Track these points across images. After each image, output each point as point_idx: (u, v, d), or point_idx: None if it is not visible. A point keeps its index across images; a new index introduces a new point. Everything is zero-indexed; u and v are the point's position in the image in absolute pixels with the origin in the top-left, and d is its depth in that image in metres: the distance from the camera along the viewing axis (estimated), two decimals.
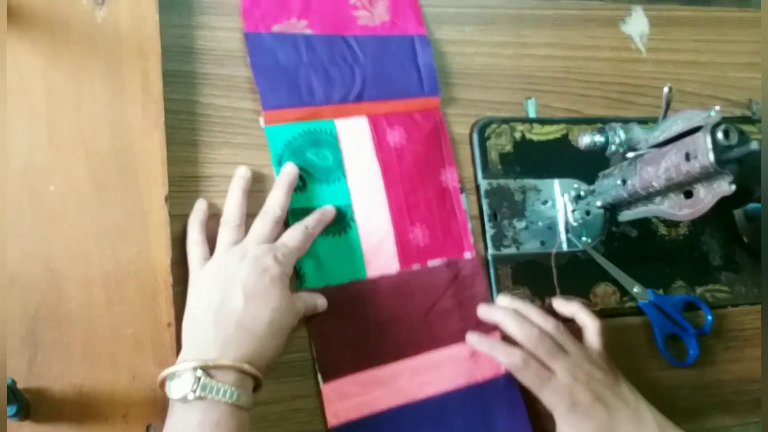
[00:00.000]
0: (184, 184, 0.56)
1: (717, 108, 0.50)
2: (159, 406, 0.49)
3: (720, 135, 0.49)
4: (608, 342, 0.58)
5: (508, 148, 0.66)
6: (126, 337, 0.49)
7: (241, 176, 0.56)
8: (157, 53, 0.55)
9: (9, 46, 0.51)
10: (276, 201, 0.55)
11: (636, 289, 0.63)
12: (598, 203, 0.62)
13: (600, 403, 0.53)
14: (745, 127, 0.51)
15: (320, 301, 0.55)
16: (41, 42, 0.53)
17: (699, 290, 0.67)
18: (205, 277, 0.50)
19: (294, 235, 0.54)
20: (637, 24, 0.76)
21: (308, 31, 0.61)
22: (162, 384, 0.46)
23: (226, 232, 0.53)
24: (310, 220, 0.55)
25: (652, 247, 0.67)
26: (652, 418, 0.53)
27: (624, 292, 0.64)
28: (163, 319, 0.50)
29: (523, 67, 0.70)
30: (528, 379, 0.54)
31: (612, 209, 0.62)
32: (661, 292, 0.65)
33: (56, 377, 0.47)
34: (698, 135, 0.50)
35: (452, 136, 0.65)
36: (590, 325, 0.58)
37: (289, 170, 0.57)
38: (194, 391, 0.43)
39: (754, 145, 0.47)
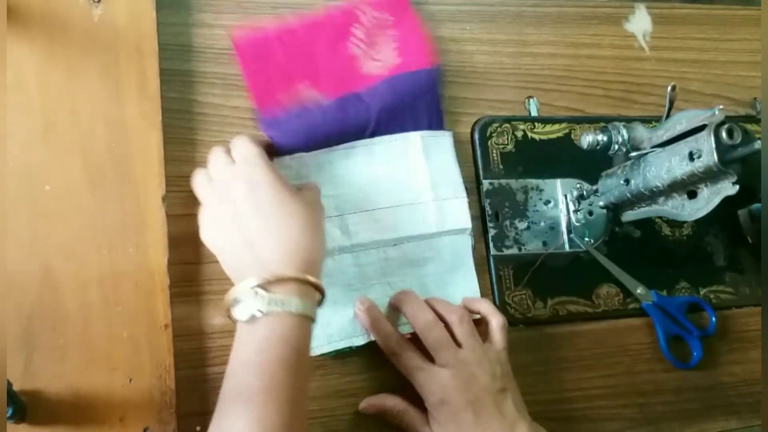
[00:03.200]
0: (182, 183, 0.55)
1: (721, 107, 0.50)
2: (156, 408, 0.48)
3: (724, 134, 0.48)
4: (610, 344, 0.57)
5: (510, 147, 0.65)
6: (122, 339, 0.49)
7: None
8: (154, 51, 0.55)
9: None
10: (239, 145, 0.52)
11: (639, 291, 0.63)
12: (601, 203, 0.61)
13: (471, 409, 0.49)
14: (749, 126, 0.51)
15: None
16: (37, 40, 0.52)
17: (703, 291, 0.66)
18: (208, 198, 0.50)
19: (240, 142, 0.51)
20: (640, 22, 0.75)
21: (319, 97, 0.58)
22: (228, 312, 0.45)
23: (216, 153, 0.52)
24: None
25: (655, 248, 0.66)
26: None
27: (627, 293, 0.63)
28: (160, 320, 0.50)
29: (524, 66, 0.69)
30: (401, 364, 0.52)
31: (615, 209, 0.62)
32: (664, 293, 0.64)
33: (52, 379, 0.47)
34: (702, 134, 0.50)
35: (453, 136, 0.64)
36: (493, 321, 0.54)
37: None
38: (260, 309, 0.43)
39: (758, 145, 0.47)
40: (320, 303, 0.47)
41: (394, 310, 0.56)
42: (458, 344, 0.52)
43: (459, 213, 0.59)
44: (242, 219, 0.47)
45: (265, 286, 0.43)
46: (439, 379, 0.51)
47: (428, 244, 0.58)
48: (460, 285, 0.59)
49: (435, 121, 0.62)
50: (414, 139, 0.60)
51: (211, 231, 0.50)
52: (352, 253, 0.56)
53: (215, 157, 0.51)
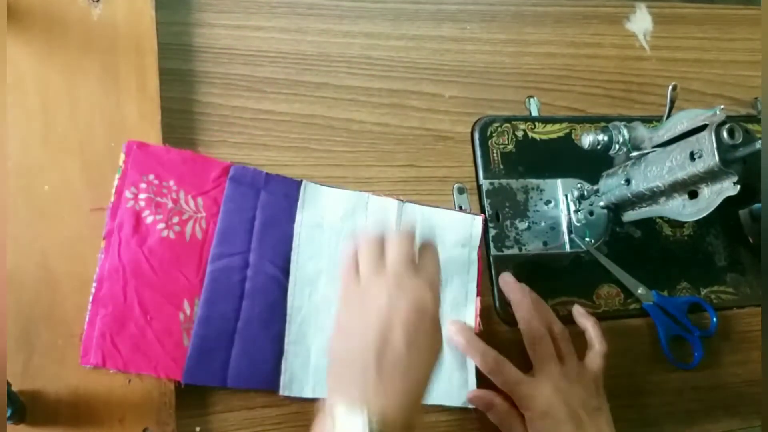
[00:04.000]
0: None
1: (722, 106, 0.50)
2: (155, 408, 0.48)
3: (725, 134, 0.48)
4: (611, 344, 0.57)
5: (510, 147, 0.65)
6: None
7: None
8: (154, 51, 0.55)
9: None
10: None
11: (640, 291, 0.62)
12: (602, 203, 0.61)
13: (573, 421, 0.51)
14: (751, 126, 0.51)
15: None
16: (36, 39, 0.52)
17: (704, 291, 0.66)
18: (356, 304, 0.46)
19: (430, 252, 0.48)
20: (641, 21, 0.75)
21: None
22: (328, 406, 0.42)
23: (367, 251, 0.47)
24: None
25: (656, 248, 0.66)
26: None
27: (628, 293, 0.63)
28: None
29: (524, 65, 0.69)
30: (500, 380, 0.53)
31: (616, 209, 0.61)
32: (665, 293, 0.64)
33: (52, 379, 0.47)
34: (703, 134, 0.49)
35: (453, 136, 0.64)
36: (597, 347, 0.56)
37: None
38: None
39: (759, 145, 0.46)
40: None
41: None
42: (560, 357, 0.54)
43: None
44: (391, 335, 0.42)
45: (372, 426, 0.40)
46: (542, 392, 0.52)
47: None
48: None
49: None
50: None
51: (352, 314, 0.46)
52: None
53: (402, 246, 0.47)
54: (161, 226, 0.51)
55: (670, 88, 0.54)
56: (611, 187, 0.59)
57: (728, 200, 0.50)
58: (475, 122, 0.65)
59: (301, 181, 0.57)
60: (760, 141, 0.46)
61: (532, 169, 0.65)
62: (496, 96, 0.67)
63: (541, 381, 0.53)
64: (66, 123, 0.51)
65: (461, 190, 0.63)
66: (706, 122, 0.50)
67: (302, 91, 0.62)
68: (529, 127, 0.66)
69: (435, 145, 0.64)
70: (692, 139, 0.51)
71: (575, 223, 0.64)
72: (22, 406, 0.45)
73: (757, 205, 0.66)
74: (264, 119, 0.60)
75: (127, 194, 0.51)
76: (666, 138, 0.54)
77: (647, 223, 0.66)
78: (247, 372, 0.51)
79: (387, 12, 0.67)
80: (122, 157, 0.52)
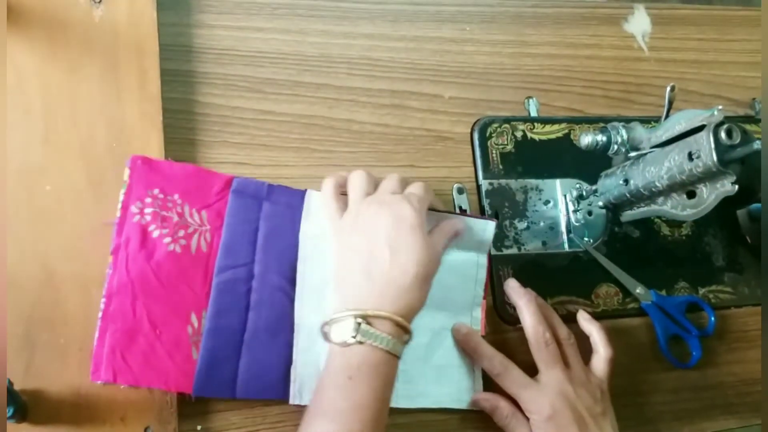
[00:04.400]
0: None
1: (720, 107, 0.50)
2: (157, 407, 0.48)
3: (723, 134, 0.48)
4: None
5: (509, 147, 0.65)
6: None
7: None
8: (155, 52, 0.55)
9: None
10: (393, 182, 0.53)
11: (639, 290, 0.63)
12: (600, 203, 0.61)
13: (577, 426, 0.52)
14: (748, 127, 0.51)
15: (459, 226, 0.55)
16: (37, 40, 0.53)
17: (702, 291, 0.66)
18: (347, 227, 0.51)
19: (418, 185, 0.53)
20: (639, 22, 0.76)
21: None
22: (323, 331, 0.48)
23: (358, 181, 0.53)
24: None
25: (654, 248, 0.66)
26: None
27: (626, 293, 0.63)
28: None
29: (524, 66, 0.70)
30: (506, 384, 0.54)
31: (614, 209, 0.62)
32: (663, 293, 0.64)
33: (53, 379, 0.47)
34: (701, 134, 0.50)
35: (453, 136, 0.65)
36: (602, 351, 0.57)
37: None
38: (354, 336, 0.45)
39: (757, 145, 0.47)
40: (406, 344, 0.49)
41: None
42: (565, 362, 0.55)
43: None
44: (375, 245, 0.48)
45: (367, 318, 0.46)
46: (547, 396, 0.53)
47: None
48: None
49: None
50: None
51: (344, 238, 0.51)
52: None
53: (390, 181, 0.53)
54: (167, 240, 0.51)
55: (668, 89, 0.54)
56: (610, 187, 0.59)
57: (726, 200, 0.50)
58: (475, 123, 0.66)
59: (305, 190, 0.56)
60: (758, 141, 0.47)
61: (531, 169, 0.65)
62: (496, 97, 0.68)
63: (546, 385, 0.53)
64: (67, 123, 0.52)
65: (461, 191, 0.63)
66: (704, 123, 0.50)
67: (303, 91, 0.62)
68: (528, 127, 0.66)
69: (435, 146, 0.64)
70: (690, 139, 0.51)
71: (574, 223, 0.64)
72: (23, 405, 0.45)
73: (755, 205, 0.66)
74: (265, 120, 0.60)
75: (133, 209, 0.51)
76: (664, 138, 0.54)
77: (645, 223, 0.66)
78: (255, 383, 0.51)
79: (387, 13, 0.68)
80: (127, 172, 0.52)
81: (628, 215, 0.60)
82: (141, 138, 0.53)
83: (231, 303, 0.52)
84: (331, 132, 0.61)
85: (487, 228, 0.58)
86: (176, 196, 0.53)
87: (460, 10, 0.70)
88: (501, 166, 0.64)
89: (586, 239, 0.64)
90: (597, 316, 0.60)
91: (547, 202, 0.64)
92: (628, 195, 0.57)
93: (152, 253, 0.51)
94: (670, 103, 0.55)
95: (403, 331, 0.48)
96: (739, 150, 0.48)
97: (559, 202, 0.65)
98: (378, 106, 0.64)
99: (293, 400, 0.52)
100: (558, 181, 0.65)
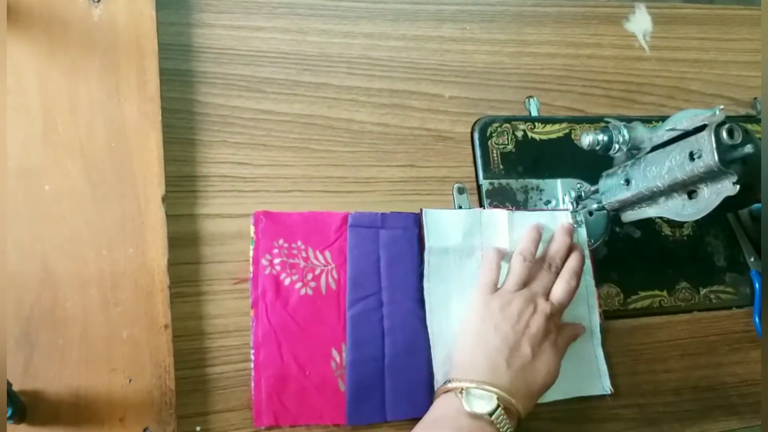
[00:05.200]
0: (182, 183, 0.56)
1: (721, 107, 0.50)
2: (156, 408, 0.48)
3: (724, 134, 0.48)
4: (610, 344, 0.57)
5: (510, 147, 0.65)
6: (122, 339, 0.49)
7: (566, 225, 0.59)
8: (154, 51, 0.55)
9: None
10: (558, 250, 0.57)
11: (752, 259, 0.66)
12: (601, 203, 0.61)
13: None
14: (750, 126, 0.51)
15: (580, 332, 0.58)
16: (37, 40, 0.52)
17: (703, 291, 0.66)
18: (496, 307, 0.53)
19: (565, 291, 0.55)
20: (640, 22, 0.75)
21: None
22: (449, 385, 0.51)
23: (518, 267, 0.55)
24: (572, 276, 0.56)
25: (655, 248, 0.66)
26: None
27: (627, 293, 0.63)
28: (160, 320, 0.50)
29: (524, 65, 0.69)
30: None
31: (615, 209, 0.61)
32: (664, 293, 0.64)
33: (52, 379, 0.47)
34: (702, 134, 0.49)
35: (453, 136, 0.65)
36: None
37: (568, 223, 0.60)
38: (491, 414, 0.48)
39: (758, 145, 0.46)
40: None
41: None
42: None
43: None
44: (521, 342, 0.52)
45: (506, 404, 0.49)
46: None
47: None
48: None
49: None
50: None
51: (491, 316, 0.53)
52: None
53: (546, 276, 0.56)
54: (299, 285, 0.55)
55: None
56: (611, 187, 0.59)
57: (727, 200, 0.50)
58: (475, 122, 0.65)
59: (418, 212, 0.58)
60: (759, 141, 0.47)
61: (532, 169, 0.65)
62: (496, 96, 0.67)
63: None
64: (66, 123, 0.51)
65: (461, 190, 0.63)
66: (706, 122, 0.50)
67: (302, 91, 0.62)
68: (529, 127, 0.66)
69: (435, 145, 0.64)
70: (692, 139, 0.51)
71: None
72: (22, 405, 0.45)
73: (756, 205, 0.66)
74: (264, 119, 0.60)
75: (263, 262, 0.55)
76: (665, 138, 0.54)
77: (647, 223, 0.66)
78: (404, 403, 0.54)
79: (387, 12, 0.67)
80: (252, 228, 0.55)
81: (629, 215, 0.60)
82: (140, 137, 0.53)
83: (367, 333, 0.55)
84: (330, 132, 0.61)
85: (564, 218, 0.61)
86: (299, 243, 0.56)
87: (460, 9, 0.69)
88: (501, 166, 0.64)
89: (587, 239, 0.63)
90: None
91: (547, 202, 0.64)
92: (629, 195, 0.57)
93: (287, 300, 0.54)
94: None
95: (518, 425, 0.50)
96: (741, 150, 0.48)
97: (560, 202, 0.64)
98: (378, 105, 0.64)
99: None
100: (559, 181, 0.65)
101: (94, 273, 0.49)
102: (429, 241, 0.57)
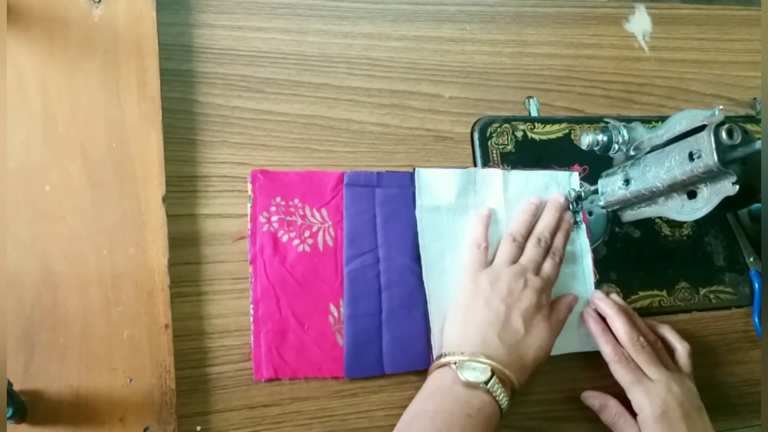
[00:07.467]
0: (182, 183, 0.56)
1: (720, 107, 0.50)
2: (156, 408, 0.48)
3: (724, 134, 0.48)
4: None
5: (510, 147, 0.65)
6: (123, 339, 0.49)
7: (557, 199, 0.60)
8: (155, 51, 0.55)
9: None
10: (547, 225, 0.58)
11: (751, 259, 0.67)
12: (601, 203, 0.61)
13: (685, 423, 0.54)
14: (749, 126, 0.51)
15: (573, 303, 0.59)
16: (37, 40, 0.52)
17: (703, 291, 0.66)
18: (486, 283, 0.55)
19: (552, 267, 0.57)
20: (639, 22, 0.76)
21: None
22: (441, 360, 0.52)
23: (508, 246, 0.57)
24: (559, 247, 0.58)
25: (655, 248, 0.66)
26: None
27: (626, 293, 0.63)
28: (161, 320, 0.50)
29: (524, 66, 0.70)
30: (622, 373, 0.56)
31: (615, 210, 0.61)
32: (663, 293, 0.64)
33: (52, 379, 0.47)
34: (702, 134, 0.49)
35: (453, 136, 0.65)
36: (680, 348, 0.59)
37: (559, 197, 0.61)
38: (486, 383, 0.49)
39: (758, 145, 0.47)
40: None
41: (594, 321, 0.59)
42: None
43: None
44: (513, 316, 0.53)
45: (500, 374, 0.50)
46: (659, 394, 0.54)
47: None
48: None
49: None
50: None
51: (482, 290, 0.54)
52: None
53: (535, 249, 0.57)
54: (296, 242, 0.56)
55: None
56: (610, 187, 0.59)
57: (727, 200, 0.50)
58: (475, 123, 0.66)
59: (413, 171, 0.59)
60: (759, 141, 0.47)
61: (532, 169, 0.65)
62: (496, 96, 0.67)
63: (657, 382, 0.55)
64: (67, 123, 0.52)
65: None
66: (705, 122, 0.50)
67: (303, 91, 0.62)
68: (529, 127, 0.66)
69: (435, 146, 0.64)
70: (691, 139, 0.51)
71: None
72: (23, 405, 0.45)
73: (756, 206, 0.66)
74: (264, 120, 0.60)
75: (261, 219, 0.56)
76: (665, 138, 0.54)
77: (646, 223, 0.66)
78: (401, 357, 0.55)
79: (387, 13, 0.67)
80: (249, 186, 0.56)
81: (628, 215, 0.60)
82: (140, 138, 0.53)
83: (364, 288, 0.56)
84: (330, 132, 0.61)
85: (572, 178, 0.62)
86: (296, 200, 0.57)
87: (460, 9, 0.69)
88: (501, 167, 0.64)
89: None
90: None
91: None
92: (628, 195, 0.57)
93: (285, 256, 0.55)
94: None
95: (512, 396, 0.51)
96: (740, 150, 0.48)
97: None
98: (378, 105, 0.64)
99: None
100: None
101: (94, 273, 0.49)
102: (420, 200, 0.59)
